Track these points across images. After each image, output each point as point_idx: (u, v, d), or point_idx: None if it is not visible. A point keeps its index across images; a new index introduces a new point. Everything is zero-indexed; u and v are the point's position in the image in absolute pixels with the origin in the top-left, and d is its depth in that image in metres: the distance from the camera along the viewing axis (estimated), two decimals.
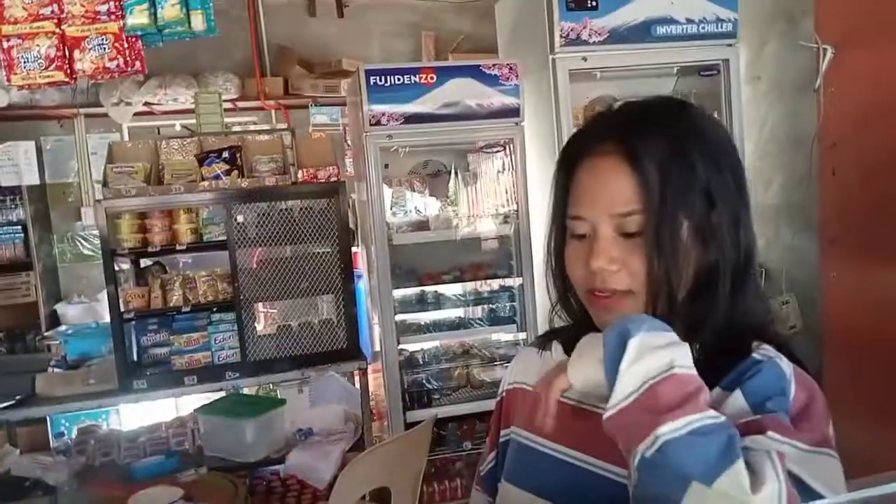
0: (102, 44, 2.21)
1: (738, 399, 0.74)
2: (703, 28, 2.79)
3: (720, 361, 0.78)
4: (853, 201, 2.66)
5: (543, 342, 0.99)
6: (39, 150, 5.08)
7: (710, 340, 0.80)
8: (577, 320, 0.92)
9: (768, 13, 3.01)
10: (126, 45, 2.24)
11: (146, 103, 4.94)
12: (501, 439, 1.00)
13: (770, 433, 0.67)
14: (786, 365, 0.77)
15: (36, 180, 5.04)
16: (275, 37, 5.38)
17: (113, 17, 2.23)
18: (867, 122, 2.57)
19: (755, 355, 0.78)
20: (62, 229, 5.27)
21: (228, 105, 5.02)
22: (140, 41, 2.31)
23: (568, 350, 0.90)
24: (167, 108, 5.03)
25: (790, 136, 2.95)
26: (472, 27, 5.56)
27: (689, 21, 2.78)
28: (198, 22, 2.32)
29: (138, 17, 2.24)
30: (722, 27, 2.80)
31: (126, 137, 5.10)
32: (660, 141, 0.80)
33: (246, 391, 3.02)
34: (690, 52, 2.84)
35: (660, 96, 0.88)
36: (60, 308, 4.94)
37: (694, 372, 0.69)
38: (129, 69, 2.26)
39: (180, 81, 4.86)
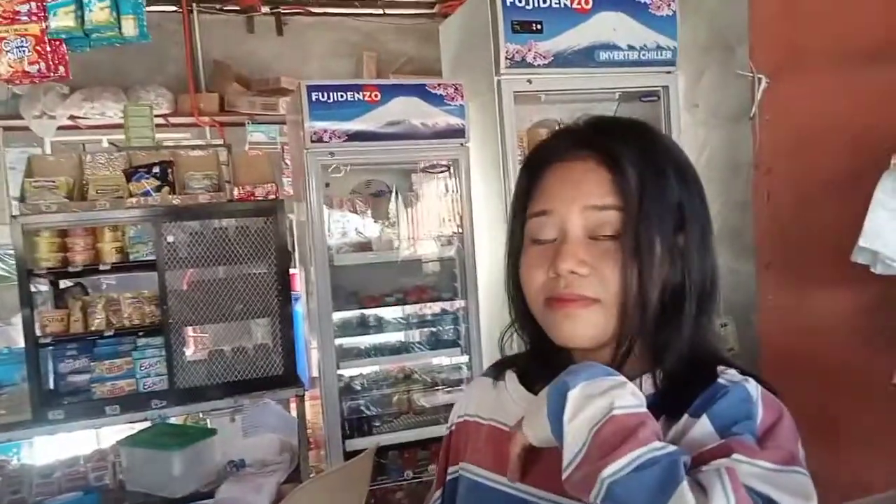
0: (22, 46, 2.05)
1: (704, 425, 0.71)
2: (644, 55, 2.84)
3: (686, 387, 0.75)
4: (787, 226, 2.73)
5: (497, 372, 0.92)
6: None
7: (674, 366, 0.77)
8: (533, 346, 0.87)
9: (706, 42, 3.10)
10: (49, 49, 2.08)
11: (71, 117, 4.70)
12: (449, 476, 0.94)
13: (735, 455, 0.65)
14: (752, 387, 0.75)
15: None
16: (211, 52, 5.25)
17: (34, 18, 2.07)
18: (800, 149, 2.66)
19: (720, 380, 0.75)
20: None
21: (161, 120, 4.84)
22: (65, 45, 2.15)
23: (524, 380, 0.87)
24: (94, 123, 4.80)
25: (728, 163, 3.02)
26: (414, 49, 5.55)
27: (631, 48, 2.82)
28: (129, 27, 2.18)
29: (63, 20, 2.09)
30: (662, 55, 2.86)
31: (49, 152, 4.84)
32: (636, 151, 0.77)
33: (174, 421, 2.85)
34: (632, 77, 2.88)
35: (626, 117, 0.86)
36: None
37: (635, 409, 0.68)
38: (52, 74, 2.10)
39: (109, 95, 4.66)
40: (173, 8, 5.11)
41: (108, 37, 2.20)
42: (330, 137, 2.75)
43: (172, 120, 5.06)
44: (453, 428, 0.96)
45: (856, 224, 2.22)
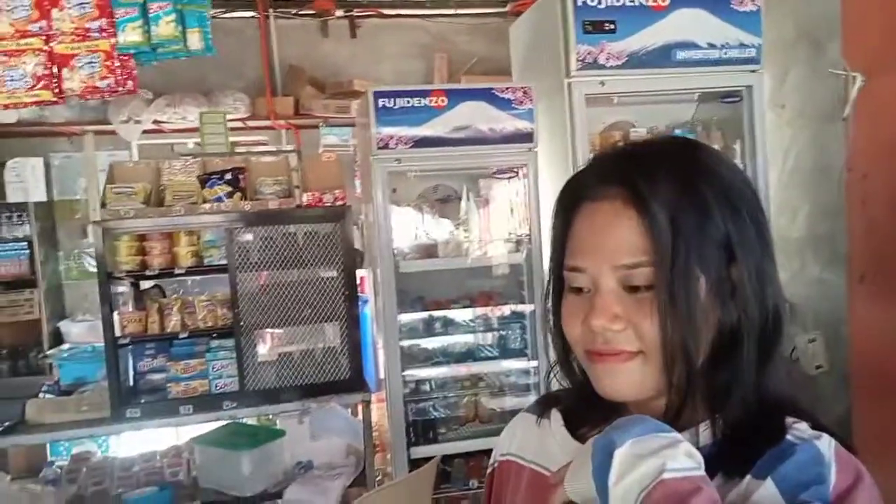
0: (93, 62, 2.12)
1: (769, 489, 0.65)
2: (726, 53, 2.69)
3: (749, 442, 0.69)
4: (884, 236, 2.53)
5: (542, 409, 0.86)
6: (48, 167, 5.04)
7: (736, 416, 0.70)
8: (578, 385, 0.80)
9: (792, 38, 2.91)
10: (117, 64, 2.16)
11: (156, 121, 4.90)
12: None
13: None
14: (825, 446, 0.68)
15: (43, 197, 5.00)
16: (287, 57, 5.36)
17: (104, 34, 2.14)
18: None
19: (789, 436, 0.68)
20: (68, 246, 5.22)
21: (238, 124, 4.98)
22: (133, 59, 2.22)
23: (568, 421, 0.82)
24: (177, 126, 4.98)
25: (816, 166, 2.83)
26: (485, 49, 5.49)
27: (711, 46, 2.68)
28: (194, 40, 2.23)
29: (131, 35, 2.15)
30: (745, 52, 2.70)
31: (136, 155, 5.06)
32: (670, 183, 0.69)
33: (245, 421, 2.91)
34: (712, 77, 2.74)
35: (668, 135, 0.78)
36: (64, 326, 4.87)
37: (689, 472, 0.61)
38: (121, 88, 2.17)
39: (190, 100, 4.82)
40: (251, 14, 5.24)
41: (173, 50, 2.26)
42: (396, 144, 2.74)
43: (250, 124, 5.19)
44: (496, 465, 0.91)
45: None
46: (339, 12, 5.39)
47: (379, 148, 2.74)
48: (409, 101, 2.72)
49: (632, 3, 2.62)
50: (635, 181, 0.69)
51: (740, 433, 0.69)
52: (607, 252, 0.70)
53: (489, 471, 0.93)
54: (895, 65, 2.44)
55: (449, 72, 5.43)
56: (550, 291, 0.79)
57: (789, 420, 0.70)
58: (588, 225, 0.72)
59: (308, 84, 5.20)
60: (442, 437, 2.97)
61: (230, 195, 2.75)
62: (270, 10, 5.27)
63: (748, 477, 0.66)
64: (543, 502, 0.73)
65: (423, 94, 2.76)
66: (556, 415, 0.84)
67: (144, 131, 4.95)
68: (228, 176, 2.76)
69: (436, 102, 2.74)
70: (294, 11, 5.35)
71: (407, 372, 2.96)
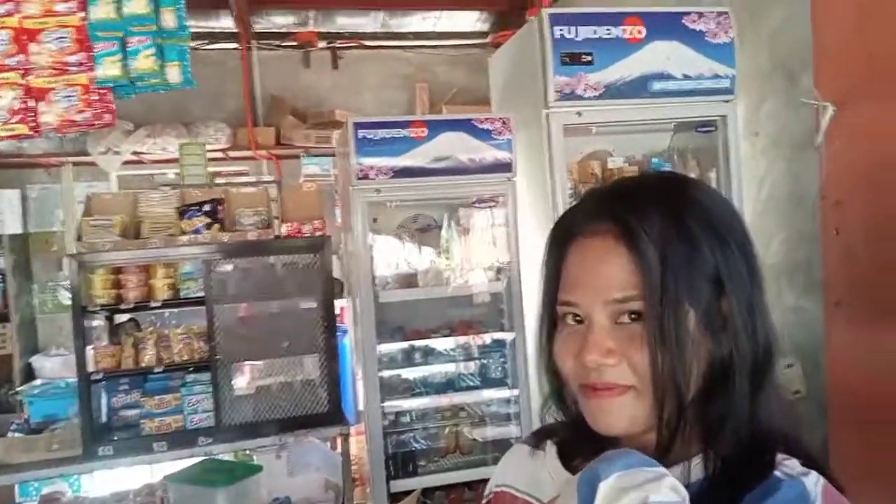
0: (70, 96, 2.11)
1: None
2: (700, 84, 2.73)
3: (738, 478, 0.69)
4: (859, 262, 2.55)
5: (537, 441, 0.87)
6: (24, 199, 4.99)
7: (729, 448, 0.70)
8: (573, 418, 0.81)
9: (766, 69, 2.96)
10: (95, 97, 2.15)
11: (135, 152, 4.88)
12: None
13: None
14: (811, 483, 0.68)
15: (19, 229, 4.94)
16: (268, 87, 5.39)
17: (83, 67, 2.13)
18: (872, 181, 2.49)
19: (777, 472, 0.69)
20: (43, 279, 5.15)
21: (219, 154, 4.97)
22: (111, 93, 2.21)
23: (562, 453, 0.83)
24: (157, 157, 4.97)
25: (791, 194, 2.86)
26: (465, 79, 5.56)
27: (686, 77, 2.72)
28: (174, 74, 2.23)
29: (109, 69, 2.15)
30: (719, 83, 2.74)
31: (115, 186, 5.03)
32: (659, 219, 0.70)
33: (221, 457, 2.84)
34: (687, 107, 2.77)
35: (658, 171, 0.81)
36: (37, 361, 4.77)
37: None
38: (98, 122, 2.16)
39: (170, 131, 4.82)
40: (233, 45, 5.27)
41: (152, 84, 2.25)
42: (376, 174, 2.74)
43: (231, 154, 5.19)
44: (491, 496, 0.91)
45: None
46: (321, 43, 5.44)
47: (359, 178, 2.74)
48: (389, 132, 2.73)
49: (608, 36, 2.66)
50: (626, 217, 0.71)
51: (731, 468, 0.69)
52: (599, 287, 0.71)
53: (484, 502, 0.93)
54: (866, 95, 2.49)
55: (430, 102, 5.48)
56: (543, 327, 0.79)
57: (780, 456, 0.70)
58: (580, 260, 0.73)
59: (289, 114, 5.22)
60: (422, 470, 2.92)
61: (208, 227, 2.73)
62: (253, 42, 5.30)
63: None
64: None
65: (404, 124, 2.77)
66: (550, 447, 0.84)
67: (124, 162, 4.93)
68: (207, 207, 2.74)
69: (416, 133, 2.76)
70: (276, 43, 5.39)
71: (386, 403, 2.92)
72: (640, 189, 0.77)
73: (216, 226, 2.75)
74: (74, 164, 5.02)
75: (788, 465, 0.69)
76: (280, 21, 5.28)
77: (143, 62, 2.16)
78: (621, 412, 0.71)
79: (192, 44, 2.61)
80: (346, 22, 5.34)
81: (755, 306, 0.72)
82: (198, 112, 5.11)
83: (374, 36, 5.51)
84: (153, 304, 2.68)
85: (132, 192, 2.89)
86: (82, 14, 2.21)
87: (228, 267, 2.74)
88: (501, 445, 2.99)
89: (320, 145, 5.14)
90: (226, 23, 5.11)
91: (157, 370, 2.67)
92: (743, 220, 0.77)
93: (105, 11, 2.17)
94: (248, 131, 5.14)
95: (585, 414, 0.74)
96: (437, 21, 5.39)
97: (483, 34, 5.55)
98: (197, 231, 2.71)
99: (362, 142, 2.73)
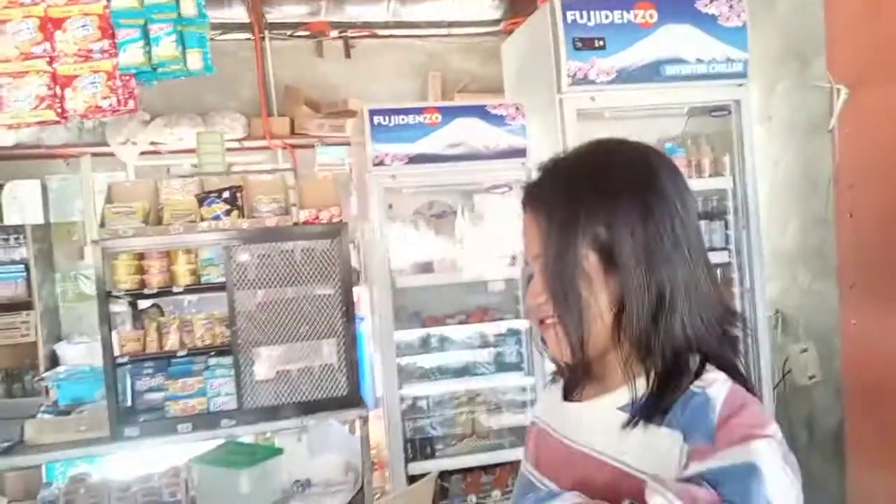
0: (95, 82, 2.17)
1: (673, 436, 0.78)
2: (713, 68, 2.74)
3: (664, 389, 0.81)
4: (873, 245, 2.57)
5: (553, 377, 1.04)
6: (45, 189, 5.07)
7: (655, 367, 0.83)
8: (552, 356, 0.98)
9: (779, 53, 2.96)
10: (119, 84, 2.21)
11: (152, 142, 4.94)
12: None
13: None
14: (716, 391, 0.79)
15: (40, 219, 5.03)
16: (282, 77, 5.41)
17: (106, 55, 2.19)
18: (886, 163, 2.49)
19: (693, 387, 0.81)
20: (65, 268, 5.24)
21: (234, 144, 5.02)
22: (134, 79, 2.27)
23: (567, 389, 0.98)
24: (174, 148, 5.02)
25: (805, 178, 2.87)
26: (478, 67, 5.57)
27: (699, 61, 2.73)
28: (194, 60, 2.28)
29: (132, 56, 2.20)
30: (732, 67, 2.75)
31: (132, 176, 5.09)
32: (550, 188, 0.89)
33: (243, 439, 2.91)
34: (700, 92, 2.78)
35: (585, 142, 0.93)
36: (60, 348, 4.87)
37: None
38: (122, 108, 2.22)
39: (186, 121, 4.87)
40: (246, 35, 5.31)
41: (173, 70, 2.31)
42: (391, 160, 2.77)
43: (246, 144, 5.24)
44: (530, 425, 1.07)
45: None
46: (334, 33, 5.46)
47: (375, 164, 2.78)
48: (403, 119, 2.76)
49: (621, 21, 2.67)
50: (531, 191, 0.91)
51: (660, 383, 0.82)
52: (527, 248, 0.92)
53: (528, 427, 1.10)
54: (878, 78, 2.50)
55: (443, 90, 5.49)
56: (525, 280, 0.97)
57: (709, 373, 0.82)
58: (523, 229, 0.94)
59: (303, 104, 5.25)
60: (439, 453, 2.97)
61: (228, 213, 2.77)
62: (266, 32, 5.33)
63: (663, 428, 0.79)
64: (537, 447, 0.98)
65: (418, 111, 2.80)
66: (559, 382, 1.01)
67: (141, 153, 4.99)
68: (226, 194, 2.78)
69: (430, 119, 2.79)
70: (289, 33, 5.42)
71: (404, 389, 2.97)
72: (554, 162, 0.92)
73: (235, 212, 2.79)
74: (92, 155, 5.09)
75: (706, 379, 0.81)
76: (292, 11, 5.30)
77: (165, 49, 2.21)
78: (554, 339, 0.88)
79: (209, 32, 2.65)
80: (357, 11, 5.36)
81: (654, 252, 0.82)
82: (213, 102, 5.15)
83: (385, 25, 5.52)
84: (176, 290, 2.73)
85: (152, 180, 2.94)
86: (105, 2, 2.27)
87: (248, 254, 2.79)
88: (518, 432, 3.02)
89: (334, 134, 5.17)
90: (238, 13, 5.14)
91: (180, 354, 2.73)
92: (654, 167, 0.87)
93: (127, 0, 2.23)
94: (263, 121, 5.18)
95: None
96: (449, 9, 5.40)
97: (495, 21, 5.54)
98: (217, 217, 2.75)
99: (377, 128, 2.76)
